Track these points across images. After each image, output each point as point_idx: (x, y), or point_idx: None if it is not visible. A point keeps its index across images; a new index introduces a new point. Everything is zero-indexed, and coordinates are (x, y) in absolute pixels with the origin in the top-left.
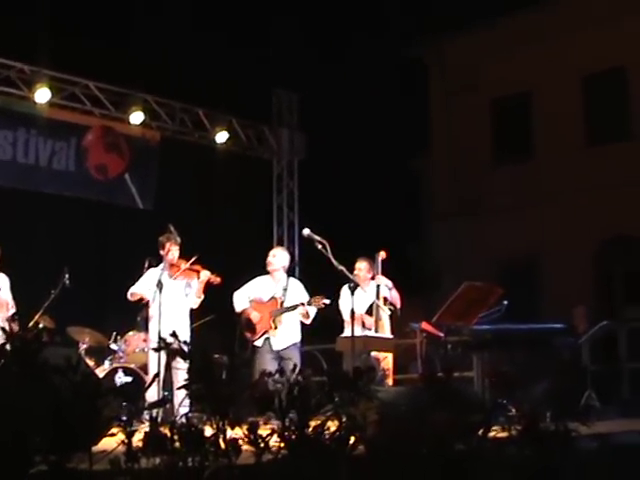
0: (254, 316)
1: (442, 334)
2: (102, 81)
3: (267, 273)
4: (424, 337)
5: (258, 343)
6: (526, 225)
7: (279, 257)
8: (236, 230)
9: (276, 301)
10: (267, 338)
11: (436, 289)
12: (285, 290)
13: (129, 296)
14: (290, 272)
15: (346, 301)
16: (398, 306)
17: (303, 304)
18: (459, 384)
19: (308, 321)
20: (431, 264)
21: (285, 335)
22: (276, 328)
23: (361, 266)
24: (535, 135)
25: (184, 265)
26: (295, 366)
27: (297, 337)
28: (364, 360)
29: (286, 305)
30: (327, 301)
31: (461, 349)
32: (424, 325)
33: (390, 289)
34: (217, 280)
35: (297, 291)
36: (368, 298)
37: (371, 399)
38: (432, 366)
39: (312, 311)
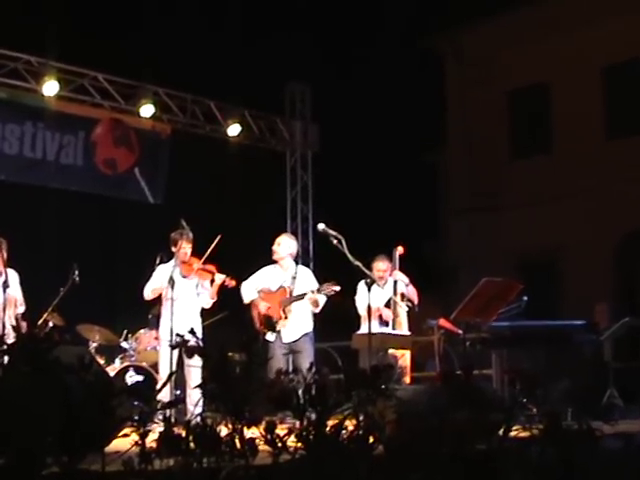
0: (263, 306)
1: (460, 331)
2: (111, 73)
3: (275, 263)
4: (442, 334)
5: (270, 337)
6: (545, 220)
7: (284, 244)
8: (249, 225)
9: (285, 290)
10: (278, 331)
11: (454, 285)
12: (294, 278)
13: (146, 296)
14: (302, 263)
15: (362, 297)
16: (416, 302)
17: (313, 292)
18: (478, 382)
19: (317, 309)
20: (448, 260)
21: (296, 325)
22: (286, 318)
23: (380, 266)
24: (554, 128)
25: (197, 264)
26: (312, 365)
27: (308, 327)
28: (381, 358)
29: (295, 294)
30: (337, 288)
31: (480, 346)
32: (442, 322)
33: (407, 285)
34: (232, 283)
35: (306, 279)
36: (386, 294)
37: (389, 398)
38: (450, 364)
39: (322, 299)
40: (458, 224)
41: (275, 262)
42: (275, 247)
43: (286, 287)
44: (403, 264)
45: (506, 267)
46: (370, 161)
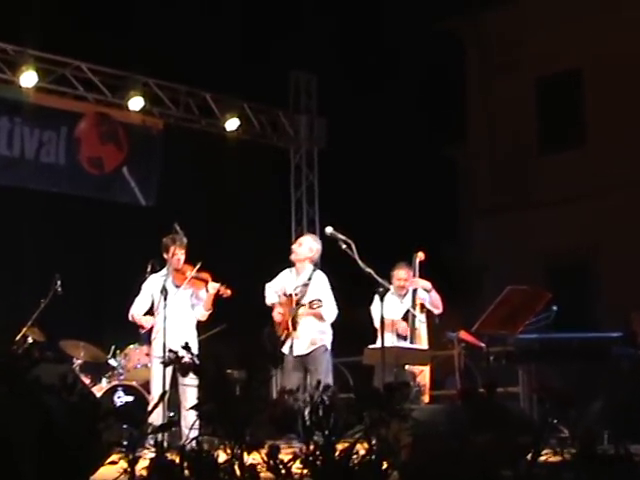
0: (276, 313)
1: (483, 344)
2: (96, 62)
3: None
4: (463, 348)
5: (285, 349)
6: (578, 220)
7: (306, 246)
8: (249, 229)
9: (292, 298)
10: (290, 344)
11: (476, 294)
12: (306, 286)
13: (131, 317)
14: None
15: (376, 308)
16: (439, 309)
17: (312, 302)
18: (503, 401)
19: (325, 322)
20: (470, 265)
21: (306, 337)
22: (294, 329)
23: (401, 274)
24: (587, 118)
25: (190, 273)
26: (319, 382)
27: (323, 339)
28: (397, 374)
29: (301, 303)
30: (320, 309)
31: (505, 361)
32: (463, 334)
33: (429, 291)
34: (227, 292)
35: (318, 286)
36: (405, 305)
37: (404, 419)
38: (472, 380)
39: (324, 311)
40: (481, 225)
41: (293, 265)
42: (295, 247)
43: (293, 295)
44: (423, 271)
45: (534, 272)
46: (383, 158)
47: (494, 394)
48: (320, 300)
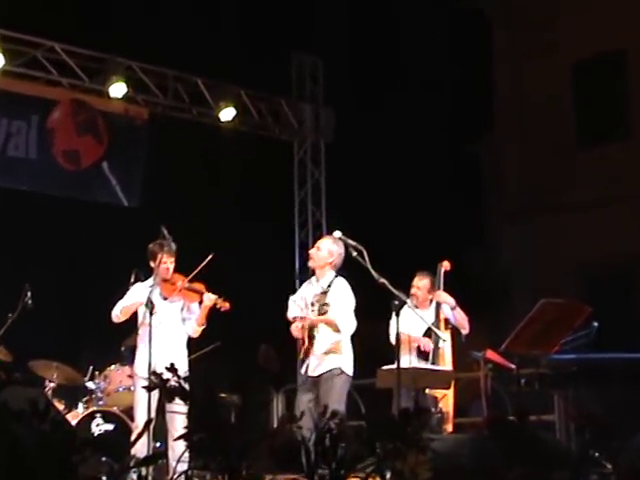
0: (294, 328)
1: (513, 365)
2: (72, 43)
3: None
4: (490, 369)
5: (302, 369)
6: (621, 224)
7: (324, 250)
8: (246, 233)
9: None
10: (307, 363)
11: (505, 308)
12: (325, 294)
13: (115, 316)
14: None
15: (392, 323)
16: (466, 330)
17: (321, 306)
18: (536, 430)
19: (341, 334)
20: (498, 276)
21: (321, 354)
22: (311, 345)
23: (420, 284)
24: (632, 107)
25: (181, 283)
26: (326, 407)
27: (339, 360)
28: (416, 399)
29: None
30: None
31: (538, 385)
32: (490, 354)
33: (453, 308)
34: (226, 306)
35: (337, 294)
36: (427, 320)
37: (423, 450)
38: (501, 407)
39: (341, 322)
40: (510, 230)
41: (313, 273)
42: (313, 252)
43: (311, 303)
44: (448, 283)
45: (571, 283)
46: (398, 152)
47: (526, 422)
48: (327, 304)
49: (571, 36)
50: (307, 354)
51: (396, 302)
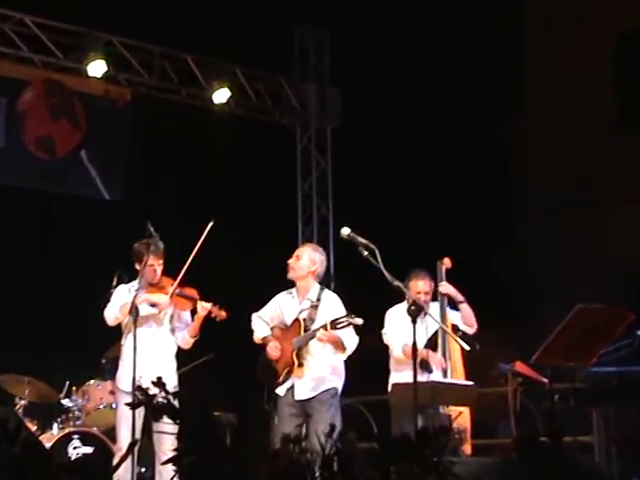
0: (272, 349)
1: (545, 379)
2: (44, 15)
3: (293, 285)
4: (519, 384)
5: (280, 391)
6: None
7: (306, 259)
8: (243, 230)
9: (299, 325)
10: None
11: (535, 314)
12: (315, 308)
13: (113, 318)
14: (319, 283)
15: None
16: (474, 327)
17: (325, 326)
18: (572, 453)
19: (344, 353)
20: (527, 278)
21: (316, 375)
22: (300, 365)
23: (427, 288)
24: None
25: (171, 288)
26: (333, 427)
27: (333, 381)
28: (433, 417)
29: (312, 329)
30: (359, 321)
31: (574, 401)
32: (519, 366)
33: (461, 302)
34: (222, 315)
35: (330, 308)
36: (428, 327)
37: (444, 476)
38: (531, 426)
39: (347, 339)
40: (541, 227)
41: (293, 284)
42: (292, 262)
43: (301, 320)
44: (451, 280)
45: (609, 286)
46: (414, 139)
47: (560, 444)
48: (347, 316)
49: (613, 6)
50: (290, 374)
51: (413, 307)
